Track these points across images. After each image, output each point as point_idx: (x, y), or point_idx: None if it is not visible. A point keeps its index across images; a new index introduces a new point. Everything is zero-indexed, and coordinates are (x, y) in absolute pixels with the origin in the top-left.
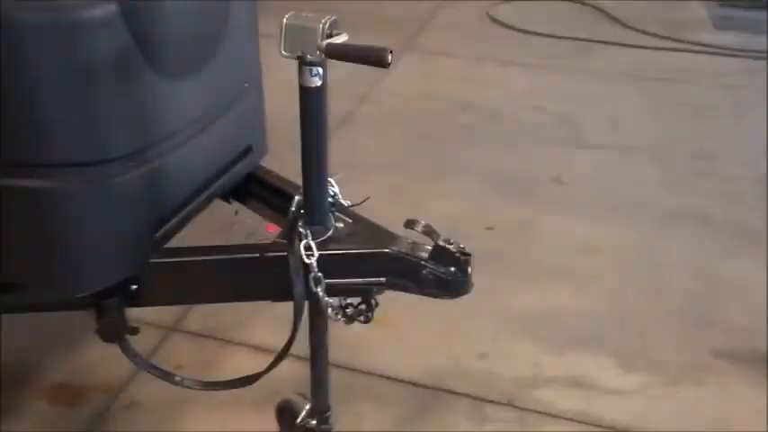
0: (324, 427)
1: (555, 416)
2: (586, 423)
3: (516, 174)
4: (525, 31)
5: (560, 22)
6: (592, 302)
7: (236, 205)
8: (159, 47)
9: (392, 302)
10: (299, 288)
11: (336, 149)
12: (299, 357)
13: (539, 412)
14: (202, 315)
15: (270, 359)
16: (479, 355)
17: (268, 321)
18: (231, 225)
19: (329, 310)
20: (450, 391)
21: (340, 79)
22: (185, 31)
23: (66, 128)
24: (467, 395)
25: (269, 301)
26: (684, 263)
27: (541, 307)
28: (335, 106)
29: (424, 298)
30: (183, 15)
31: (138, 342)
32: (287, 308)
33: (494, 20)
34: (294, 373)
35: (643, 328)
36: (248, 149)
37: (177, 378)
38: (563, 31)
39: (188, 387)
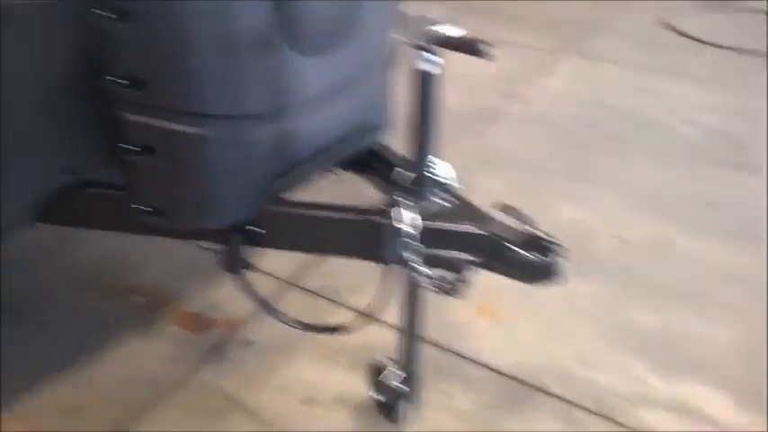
0: (404, 389)
1: None
2: None
3: (660, 189)
4: (703, 42)
5: (747, 36)
6: (718, 331)
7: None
8: (298, 27)
9: (502, 295)
10: (391, 253)
11: (475, 144)
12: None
13: (628, 428)
14: (320, 275)
15: (376, 326)
16: (581, 360)
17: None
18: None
19: (422, 278)
20: (543, 390)
21: (495, 75)
22: (323, 17)
23: (212, 85)
24: (558, 396)
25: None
26: None
27: (659, 327)
28: (484, 101)
29: (535, 296)
30: (322, 5)
31: (259, 289)
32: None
33: (671, 28)
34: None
35: None
36: (369, 125)
37: (282, 315)
38: (747, 44)
39: (289, 324)
